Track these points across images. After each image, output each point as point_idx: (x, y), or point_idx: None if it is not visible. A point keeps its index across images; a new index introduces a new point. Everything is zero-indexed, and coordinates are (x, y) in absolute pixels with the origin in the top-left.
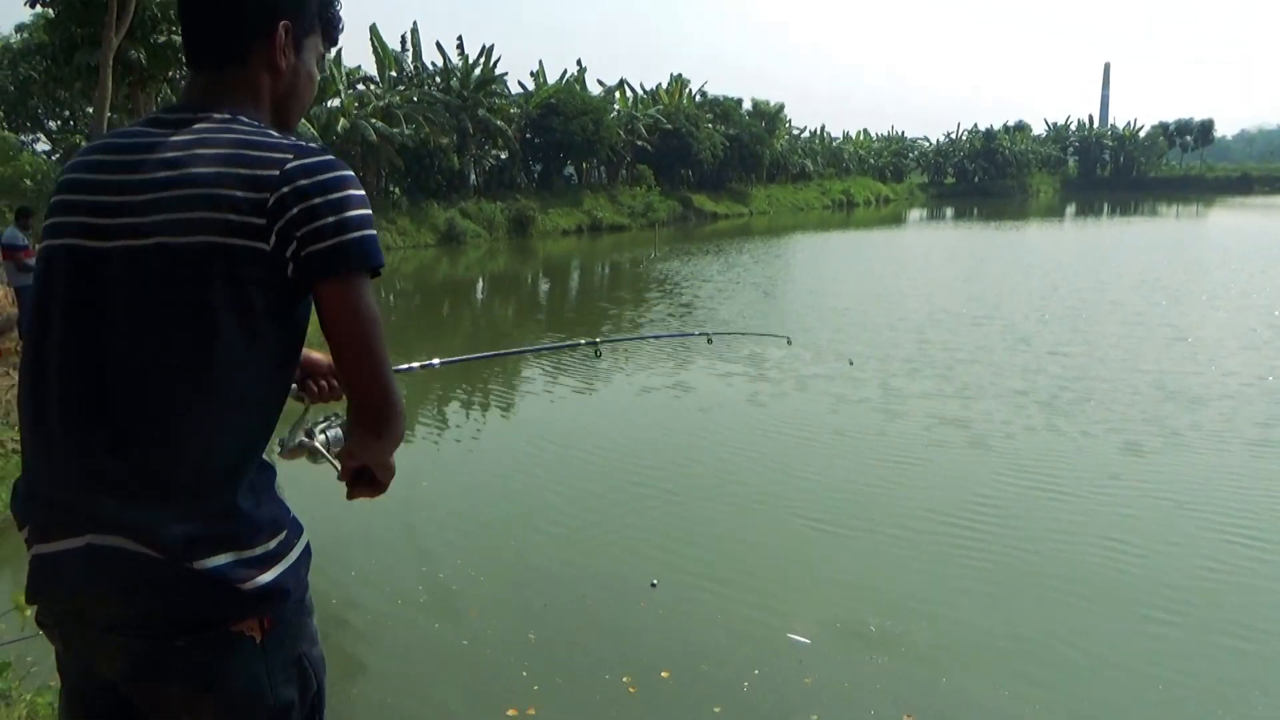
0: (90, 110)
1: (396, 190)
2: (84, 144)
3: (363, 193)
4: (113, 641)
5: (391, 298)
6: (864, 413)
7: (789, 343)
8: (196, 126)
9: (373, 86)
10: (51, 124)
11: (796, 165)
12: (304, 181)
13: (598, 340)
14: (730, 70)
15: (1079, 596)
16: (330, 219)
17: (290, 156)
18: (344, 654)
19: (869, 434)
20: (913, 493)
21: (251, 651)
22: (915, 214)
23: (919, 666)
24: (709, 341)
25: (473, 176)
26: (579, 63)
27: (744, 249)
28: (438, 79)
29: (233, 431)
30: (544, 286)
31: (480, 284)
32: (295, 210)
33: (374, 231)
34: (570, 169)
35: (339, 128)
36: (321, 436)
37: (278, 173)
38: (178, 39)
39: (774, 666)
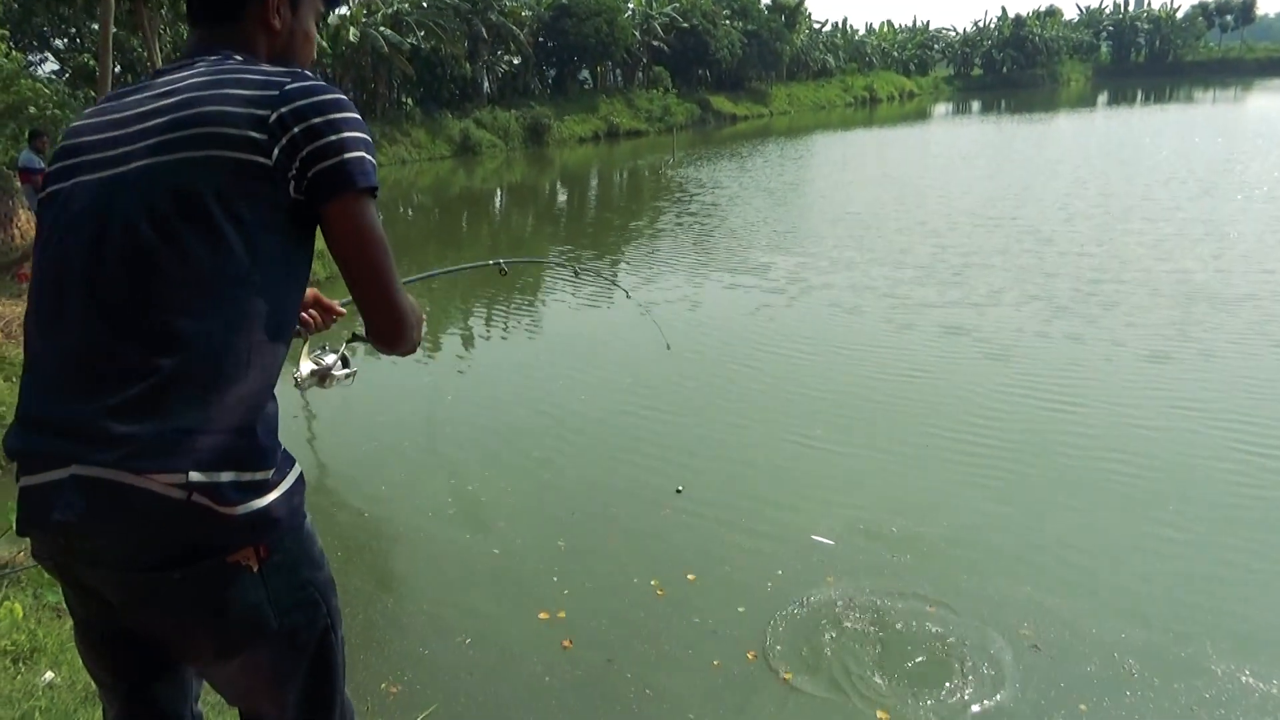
0: (96, 27)
1: (409, 101)
2: (92, 62)
3: (359, 116)
4: (106, 576)
5: (409, 211)
6: (876, 324)
7: (575, 273)
8: (194, 68)
9: None
10: (58, 42)
11: (817, 62)
12: (303, 102)
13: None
14: None
15: (1093, 502)
16: (332, 137)
17: (288, 80)
18: (378, 566)
19: (884, 346)
20: (933, 403)
21: (250, 581)
22: (941, 109)
23: (938, 564)
24: (502, 273)
25: (486, 84)
26: None
27: (762, 152)
28: None
29: (244, 348)
30: (561, 197)
31: (498, 195)
32: (296, 130)
33: (370, 154)
34: (585, 73)
35: (349, 36)
36: (326, 361)
37: (277, 93)
38: None
39: (796, 567)
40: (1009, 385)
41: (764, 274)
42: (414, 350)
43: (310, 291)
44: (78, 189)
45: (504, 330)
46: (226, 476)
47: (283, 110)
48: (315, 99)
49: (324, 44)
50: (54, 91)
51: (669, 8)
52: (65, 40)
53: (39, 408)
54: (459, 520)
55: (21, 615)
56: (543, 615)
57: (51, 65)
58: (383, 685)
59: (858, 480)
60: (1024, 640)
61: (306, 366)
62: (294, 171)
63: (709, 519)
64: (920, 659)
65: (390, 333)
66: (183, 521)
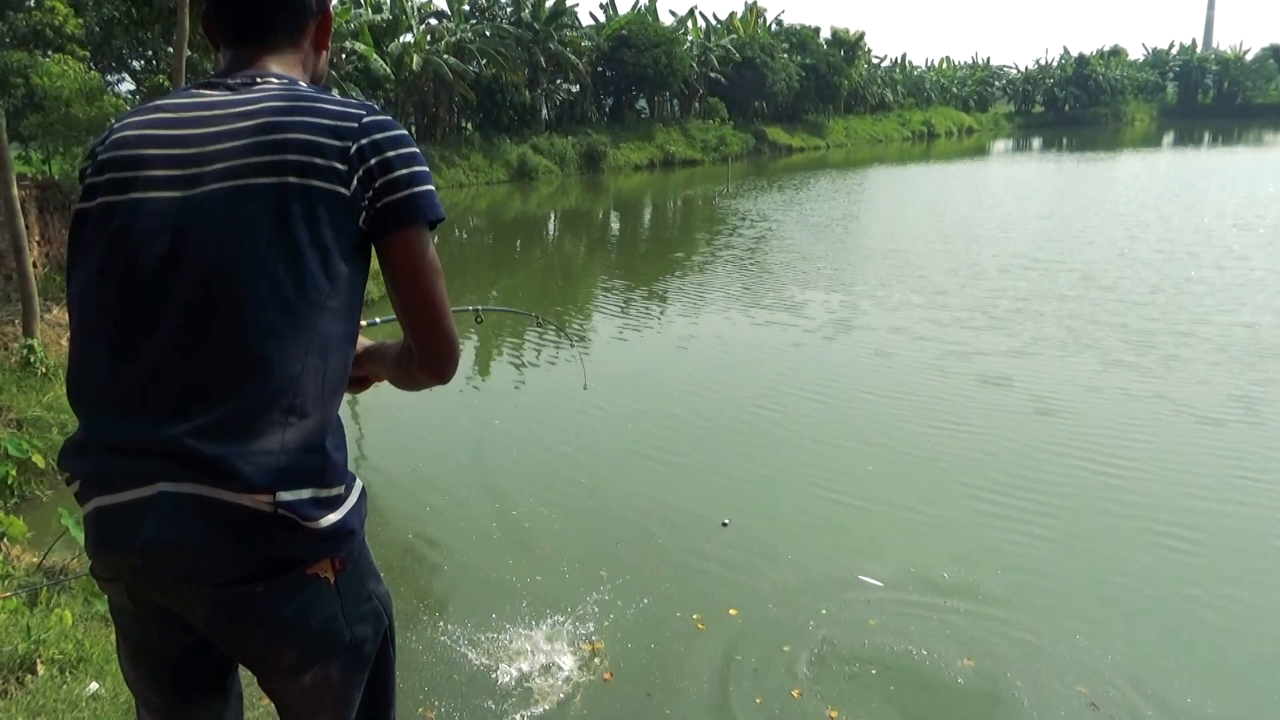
0: (171, 50)
1: (469, 126)
2: (167, 83)
3: (418, 150)
4: (190, 591)
5: (464, 234)
6: (920, 370)
7: (538, 322)
8: (264, 88)
9: (444, 21)
10: (136, 64)
11: (875, 96)
12: (379, 136)
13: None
14: None
15: (1146, 568)
16: (403, 172)
17: (364, 112)
18: (420, 589)
19: (930, 395)
20: (986, 455)
21: (327, 592)
22: (1000, 145)
23: (990, 615)
24: (478, 320)
25: (544, 111)
26: None
27: (814, 184)
28: (509, 11)
29: (320, 370)
30: (614, 224)
31: (552, 220)
32: (373, 161)
33: (434, 187)
34: (642, 102)
35: (412, 64)
36: None
37: (356, 125)
38: None
39: (841, 607)
40: (1059, 442)
41: (801, 312)
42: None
43: None
44: (145, 207)
45: (552, 357)
46: (308, 493)
47: (362, 142)
48: (390, 133)
49: (388, 70)
50: (132, 106)
51: (726, 40)
52: (142, 62)
53: (114, 432)
54: (503, 545)
55: (70, 623)
56: (584, 647)
57: (128, 85)
58: (419, 710)
59: (910, 525)
60: (1081, 697)
61: None
62: (365, 202)
63: (754, 553)
64: (971, 710)
65: (444, 359)
66: (271, 536)
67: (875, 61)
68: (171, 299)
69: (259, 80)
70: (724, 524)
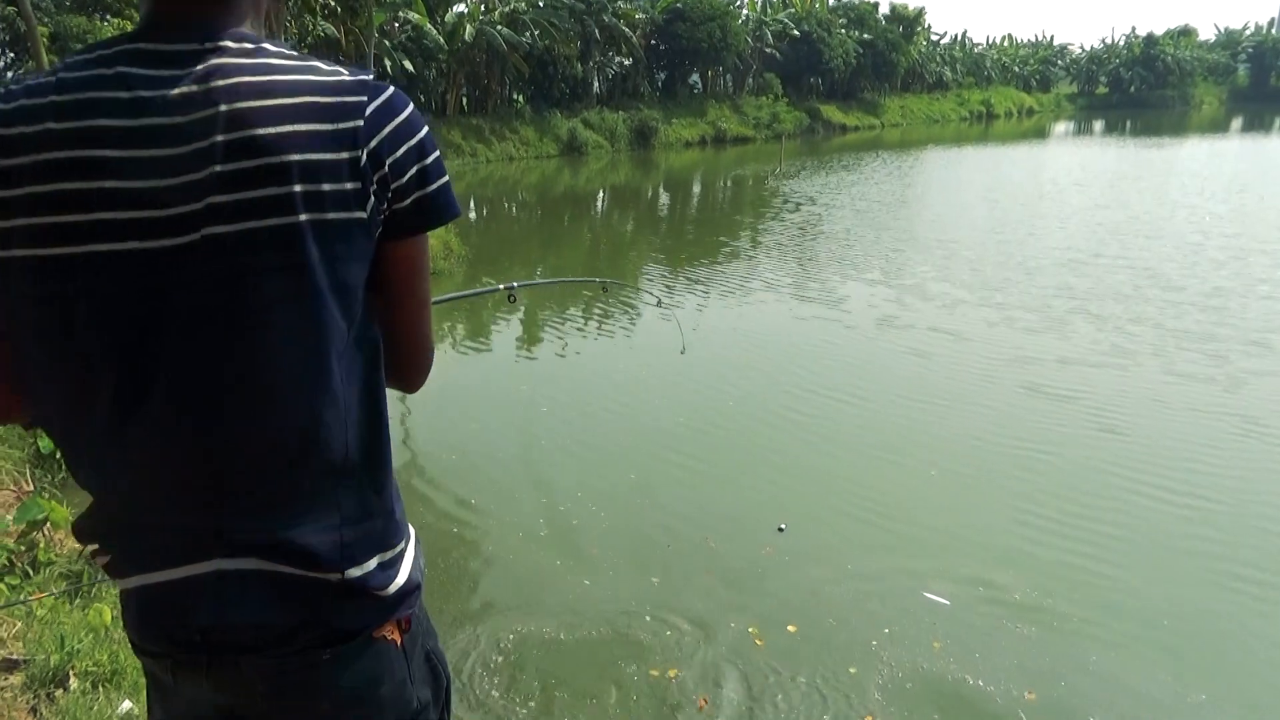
0: None
1: (520, 99)
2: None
3: (429, 128)
4: (249, 664)
5: (514, 209)
6: (972, 376)
7: (604, 290)
8: (221, 64)
9: None
10: None
11: (934, 74)
12: (388, 129)
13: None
14: None
15: (1230, 608)
16: (414, 169)
17: (365, 98)
18: (464, 587)
19: (983, 404)
20: (1060, 474)
21: (394, 656)
22: (1061, 127)
23: (1059, 641)
24: (511, 299)
25: (596, 85)
26: None
27: (866, 166)
28: None
29: (363, 421)
30: (663, 202)
31: (601, 197)
32: (387, 165)
33: (448, 177)
34: (695, 77)
35: (465, 34)
36: None
37: (361, 123)
38: None
39: (905, 625)
40: (1125, 462)
41: (844, 305)
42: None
43: None
44: (109, 265)
45: (606, 342)
46: (374, 562)
47: (372, 145)
48: (398, 120)
49: (440, 40)
50: None
51: (783, 14)
52: None
53: (145, 515)
54: (550, 544)
55: (110, 620)
56: (635, 661)
57: None
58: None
59: (981, 538)
60: None
61: None
62: (381, 216)
63: (812, 561)
64: None
65: (421, 368)
66: (339, 607)
67: (934, 38)
68: (176, 373)
69: (208, 45)
70: (780, 529)
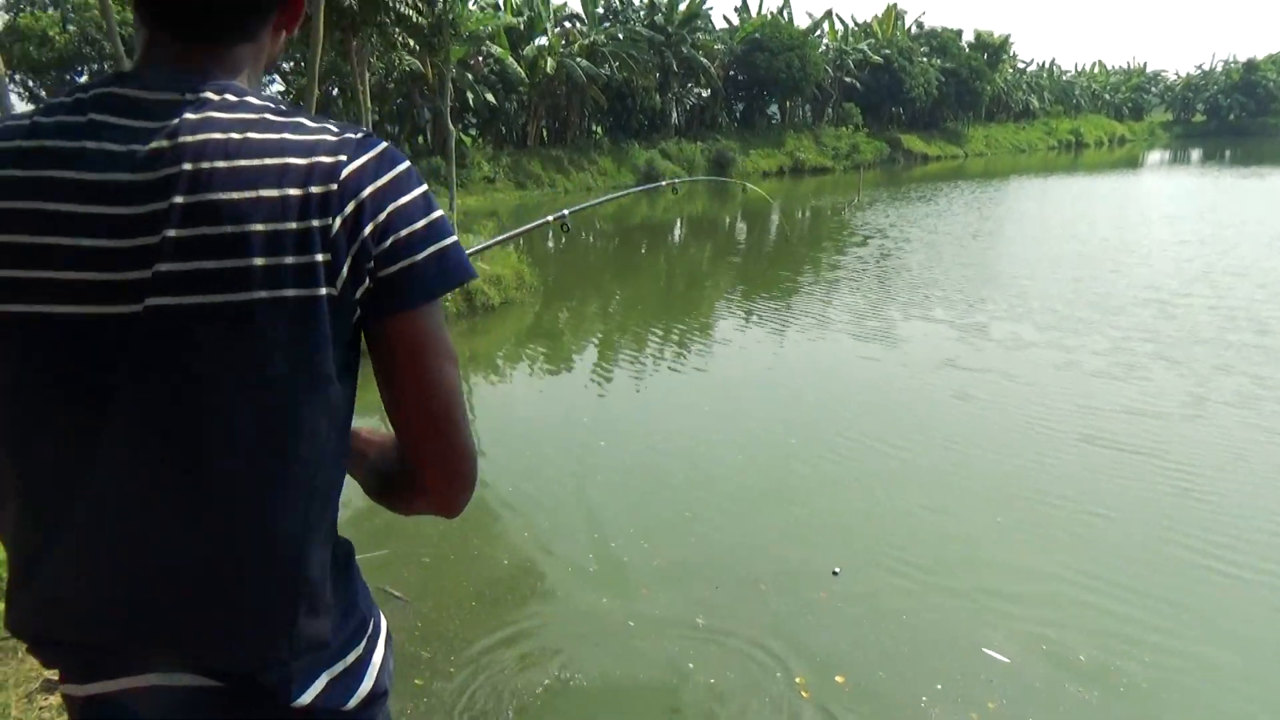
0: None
1: (598, 130)
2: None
3: (426, 187)
4: None
5: (591, 237)
6: (1038, 420)
7: (565, 228)
8: (195, 118)
9: (578, 24)
10: (285, 65)
11: (1020, 102)
12: (367, 191)
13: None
14: None
15: None
16: (401, 234)
17: (343, 158)
18: (508, 620)
19: (1046, 454)
20: (1129, 530)
21: None
22: (1155, 156)
23: (1125, 709)
24: (564, 229)
25: (674, 116)
26: None
27: (946, 197)
28: (642, 14)
29: (320, 524)
30: (740, 232)
31: (678, 226)
32: (365, 232)
33: (455, 235)
34: (773, 107)
35: (546, 67)
36: None
37: (336, 186)
38: None
39: (959, 681)
40: (1204, 525)
41: (915, 344)
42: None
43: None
44: (52, 330)
45: (668, 369)
46: (329, 676)
47: (348, 211)
48: (382, 181)
49: (521, 73)
50: None
51: (864, 43)
52: (291, 64)
53: (72, 627)
54: (599, 581)
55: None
56: (677, 715)
57: (278, 86)
58: None
59: (1046, 594)
60: None
61: None
62: (362, 290)
63: (865, 609)
64: None
65: (457, 482)
66: None
67: (1021, 66)
68: (107, 471)
69: (189, 97)
70: (835, 573)
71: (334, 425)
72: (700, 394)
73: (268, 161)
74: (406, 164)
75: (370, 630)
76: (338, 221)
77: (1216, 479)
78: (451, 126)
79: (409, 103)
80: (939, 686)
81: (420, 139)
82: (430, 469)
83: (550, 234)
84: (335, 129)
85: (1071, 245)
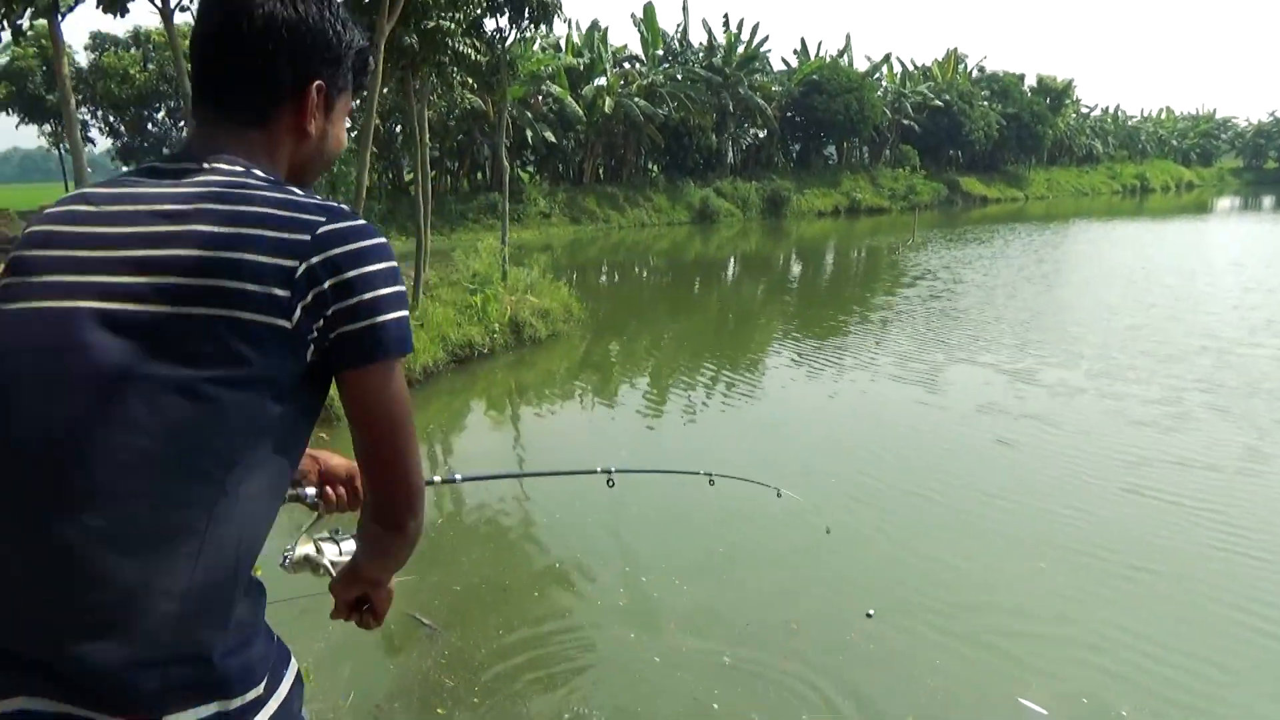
0: (385, 92)
1: (654, 168)
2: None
3: (396, 264)
4: None
5: (644, 273)
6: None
7: (778, 494)
8: (204, 179)
9: (637, 65)
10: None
11: (1083, 147)
12: (338, 251)
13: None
14: (1014, 43)
15: None
16: (366, 296)
17: (323, 219)
18: (534, 653)
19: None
20: (1182, 589)
21: None
22: (1225, 203)
23: None
24: (610, 484)
25: (730, 155)
26: (846, 37)
27: (1000, 239)
28: (701, 56)
29: (229, 546)
30: (794, 271)
31: (731, 264)
32: (327, 285)
33: (406, 311)
34: (830, 148)
35: (604, 106)
36: (333, 548)
37: (308, 238)
38: (445, 23)
39: None
40: (1247, 587)
41: (965, 390)
42: (411, 550)
43: (347, 465)
44: (33, 319)
45: (711, 406)
46: (209, 710)
47: (314, 261)
48: (353, 247)
49: (580, 112)
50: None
51: (923, 86)
52: (357, 101)
53: None
54: (628, 616)
55: None
56: None
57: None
58: None
59: (1090, 636)
60: None
61: (304, 549)
62: (315, 333)
63: (897, 655)
64: None
65: (404, 510)
66: None
67: (1084, 111)
68: (24, 445)
69: (205, 167)
70: (869, 615)
71: (260, 453)
72: (741, 433)
73: (255, 214)
74: (379, 238)
75: (273, 672)
76: (303, 268)
77: (1270, 536)
78: (507, 163)
79: (469, 139)
80: None
81: (479, 175)
82: (379, 496)
83: (604, 269)
84: (325, 201)
85: (1130, 290)
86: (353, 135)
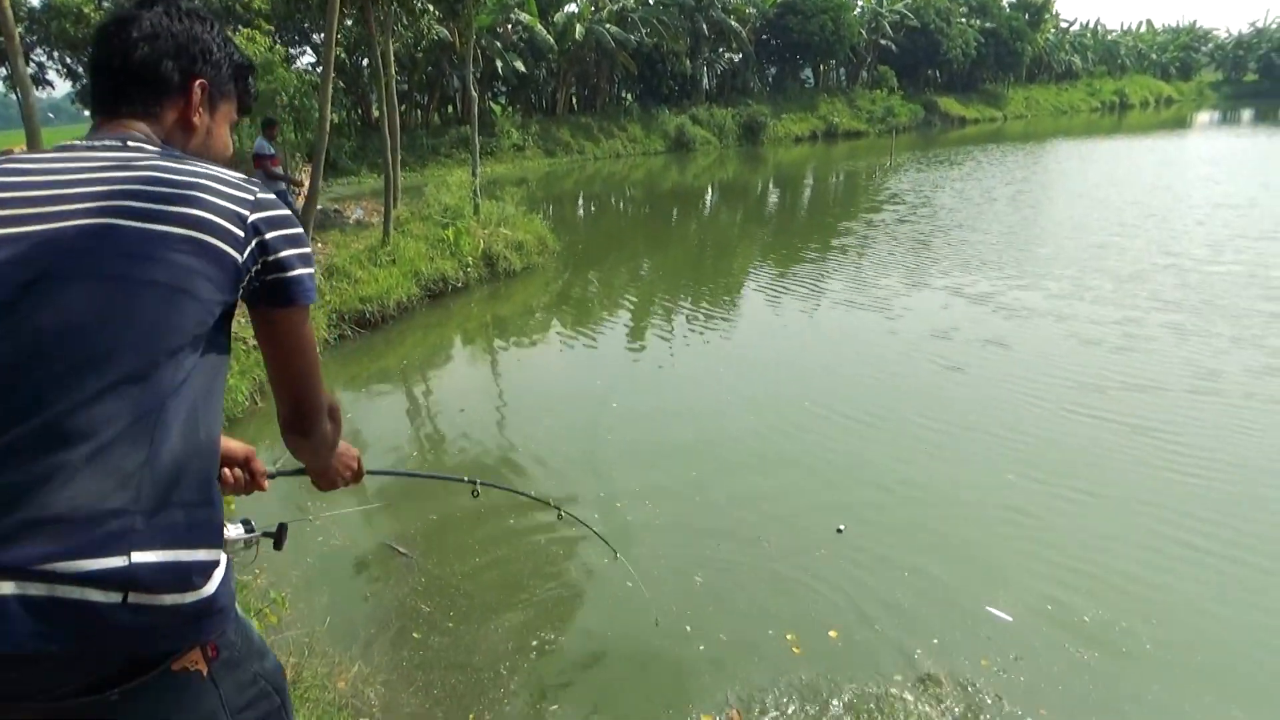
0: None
1: (628, 96)
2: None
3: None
4: (23, 711)
5: (621, 204)
6: (1099, 363)
7: (559, 516)
8: (135, 149)
9: None
10: (317, 38)
11: (1062, 63)
12: (273, 213)
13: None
14: None
15: None
16: (296, 251)
17: (256, 187)
18: (509, 580)
19: (1106, 387)
20: (1166, 462)
21: (200, 688)
22: (1204, 117)
23: (1128, 670)
24: (474, 494)
25: (705, 81)
26: None
27: (972, 160)
28: None
29: (181, 417)
30: (772, 198)
31: (709, 193)
32: (268, 237)
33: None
34: (807, 72)
35: (575, 33)
36: (234, 529)
37: (252, 197)
38: None
39: (956, 638)
40: (1224, 481)
41: (945, 313)
42: (329, 448)
43: (244, 449)
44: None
45: (687, 335)
46: (168, 556)
47: (258, 216)
48: (281, 212)
49: (550, 40)
50: (300, 82)
51: (900, 5)
52: (321, 35)
53: None
54: (601, 539)
55: None
56: (663, 671)
57: (309, 58)
58: (470, 715)
59: (1057, 557)
60: None
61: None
62: (252, 274)
63: (866, 569)
64: None
65: (308, 420)
66: (122, 628)
67: (1063, 25)
68: (19, 335)
69: (128, 145)
70: (839, 530)
71: (203, 355)
72: (717, 360)
73: (203, 170)
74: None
75: (220, 544)
76: (251, 217)
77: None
78: (475, 93)
79: (438, 72)
80: (935, 641)
81: (450, 108)
82: (293, 412)
83: (580, 201)
84: (251, 179)
85: (1096, 208)
86: (316, 70)
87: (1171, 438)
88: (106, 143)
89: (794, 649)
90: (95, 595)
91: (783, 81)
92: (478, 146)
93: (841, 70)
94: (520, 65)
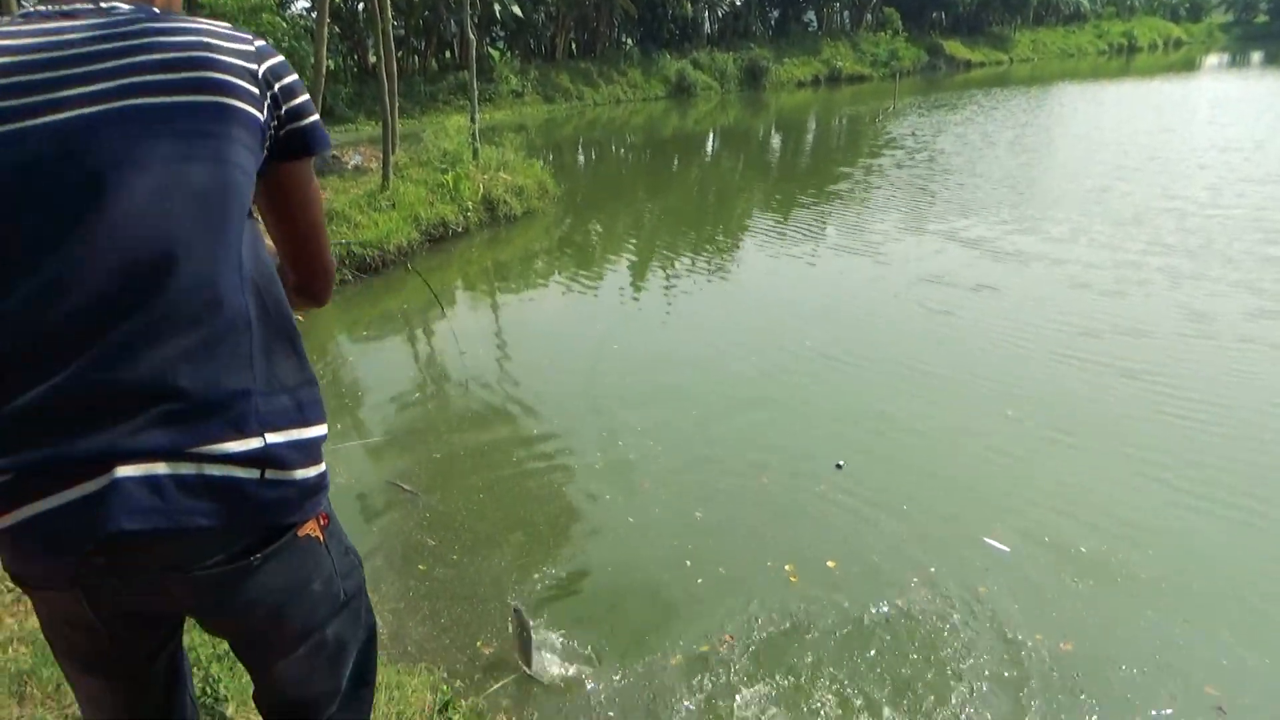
0: None
1: (628, 41)
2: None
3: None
4: (173, 580)
5: (621, 150)
6: (1096, 308)
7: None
8: (116, 12)
9: None
10: None
11: (1070, 5)
12: (274, 61)
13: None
14: None
15: None
16: (302, 99)
17: (251, 36)
18: (511, 516)
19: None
20: (1157, 413)
21: (320, 553)
22: (1213, 59)
23: (1120, 597)
24: (409, 269)
25: (706, 25)
26: None
27: (973, 106)
28: None
29: (265, 286)
30: (774, 142)
31: (710, 138)
32: (277, 88)
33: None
34: (810, 15)
35: None
36: None
37: (251, 49)
38: None
39: (952, 567)
40: (1219, 405)
41: (946, 247)
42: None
43: None
44: (13, 136)
45: (688, 277)
46: (294, 436)
47: (263, 68)
48: (281, 59)
49: None
50: (292, 27)
51: None
52: None
53: (32, 400)
54: (603, 477)
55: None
56: (662, 599)
57: (304, 3)
58: (478, 643)
59: (1055, 482)
60: (1208, 699)
61: None
62: (272, 129)
63: (867, 501)
64: (1063, 695)
65: (324, 286)
66: (262, 500)
67: None
68: (90, 232)
69: (103, 7)
70: (838, 466)
71: (253, 219)
72: (717, 303)
73: (197, 26)
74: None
75: (324, 419)
76: (260, 70)
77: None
78: (473, 36)
79: (435, 16)
80: (932, 570)
81: (447, 54)
82: (304, 274)
83: (580, 147)
84: (239, 28)
85: (1099, 152)
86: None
87: (1166, 381)
88: (77, 7)
89: (791, 579)
90: (239, 473)
91: (785, 25)
92: (476, 92)
93: (845, 13)
94: (517, 9)
